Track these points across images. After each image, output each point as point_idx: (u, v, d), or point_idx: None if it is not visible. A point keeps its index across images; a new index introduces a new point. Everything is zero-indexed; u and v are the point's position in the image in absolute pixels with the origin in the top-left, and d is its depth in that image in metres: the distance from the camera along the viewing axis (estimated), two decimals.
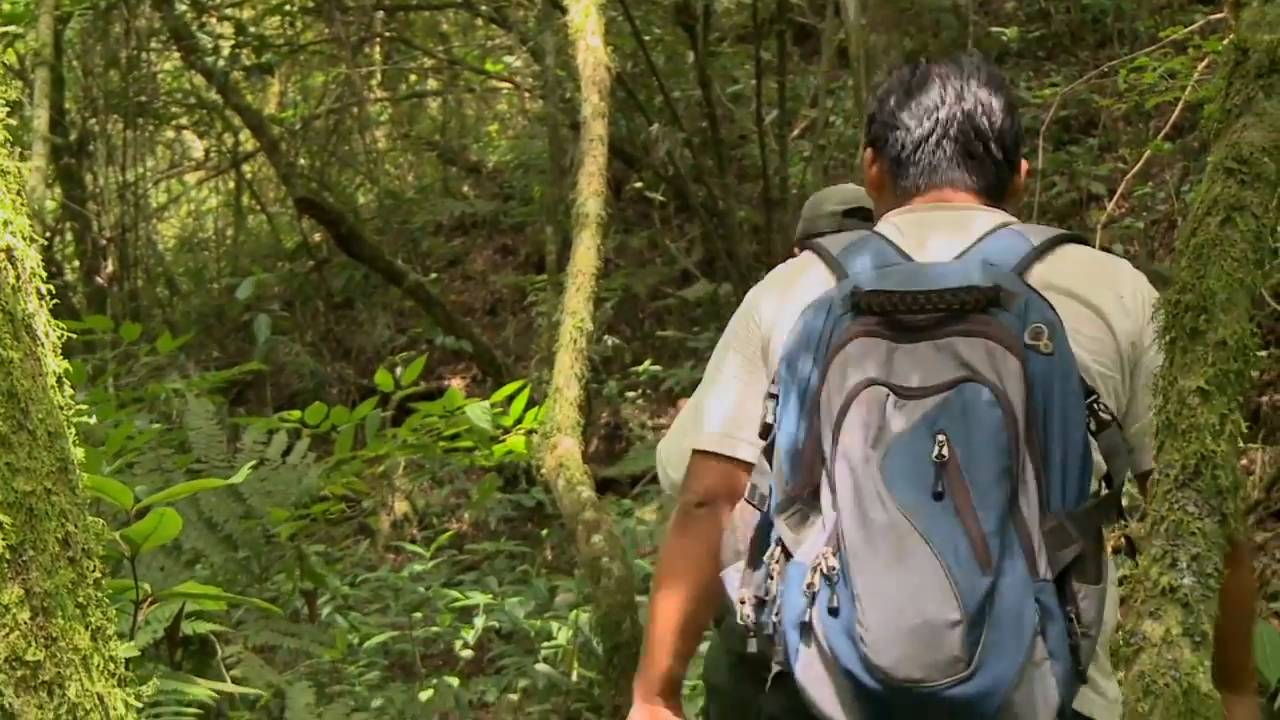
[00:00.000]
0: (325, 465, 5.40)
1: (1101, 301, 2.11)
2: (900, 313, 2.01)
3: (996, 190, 2.27)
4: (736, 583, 2.10)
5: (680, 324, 11.67)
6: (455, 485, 10.16)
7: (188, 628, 3.90)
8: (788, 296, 2.18)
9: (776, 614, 1.99)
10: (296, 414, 5.53)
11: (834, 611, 1.90)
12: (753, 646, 2.06)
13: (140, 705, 1.66)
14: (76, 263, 14.14)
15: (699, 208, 11.59)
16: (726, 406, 2.22)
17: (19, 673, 1.45)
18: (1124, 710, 1.64)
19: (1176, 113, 6.28)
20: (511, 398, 5.60)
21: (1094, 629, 2.02)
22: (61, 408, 1.66)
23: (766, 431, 2.12)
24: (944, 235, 2.16)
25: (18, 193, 1.68)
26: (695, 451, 2.24)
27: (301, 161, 14.10)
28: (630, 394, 10.90)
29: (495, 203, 14.88)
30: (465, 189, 15.91)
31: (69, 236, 14.34)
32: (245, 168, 15.39)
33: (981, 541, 1.88)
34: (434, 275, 13.55)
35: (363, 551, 9.06)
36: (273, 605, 3.61)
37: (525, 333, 12.24)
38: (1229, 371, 1.73)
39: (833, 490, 1.95)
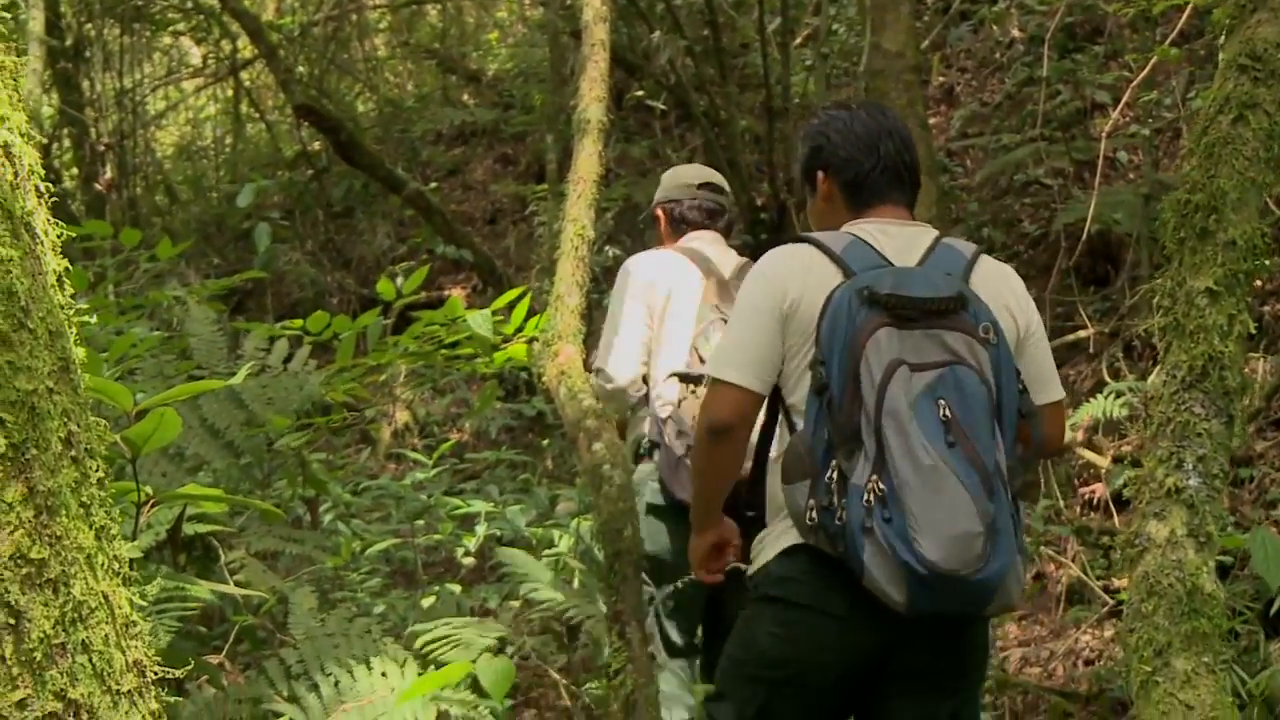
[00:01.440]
0: (327, 373, 5.39)
1: (1007, 301, 3.04)
2: (901, 309, 2.84)
3: (913, 203, 3.18)
4: (805, 493, 2.85)
5: None
6: (456, 395, 10.17)
7: (190, 531, 3.91)
8: (807, 283, 2.96)
9: (840, 519, 2.76)
10: (299, 322, 5.50)
11: (888, 520, 2.71)
12: (812, 539, 2.85)
13: (144, 604, 1.67)
14: (75, 170, 14.07)
15: (700, 117, 11.51)
16: (752, 354, 2.98)
17: (24, 570, 1.45)
18: (1128, 609, 1.65)
19: (1184, 18, 6.21)
20: (512, 305, 5.56)
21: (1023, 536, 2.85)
22: (62, 307, 1.65)
23: (822, 390, 2.85)
24: (902, 244, 3.03)
25: (15, 88, 1.66)
26: (727, 383, 2.97)
27: (300, 69, 13.98)
28: None
29: (495, 111, 14.77)
30: (465, 97, 15.80)
31: (66, 143, 14.26)
32: (244, 75, 15.27)
33: (986, 478, 2.74)
34: (434, 184, 13.48)
35: (364, 460, 9.09)
36: (275, 509, 3.60)
37: (526, 242, 12.21)
38: (1238, 272, 1.72)
39: (878, 436, 2.75)
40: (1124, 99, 7.15)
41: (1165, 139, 9.00)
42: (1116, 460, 6.33)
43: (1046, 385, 3.08)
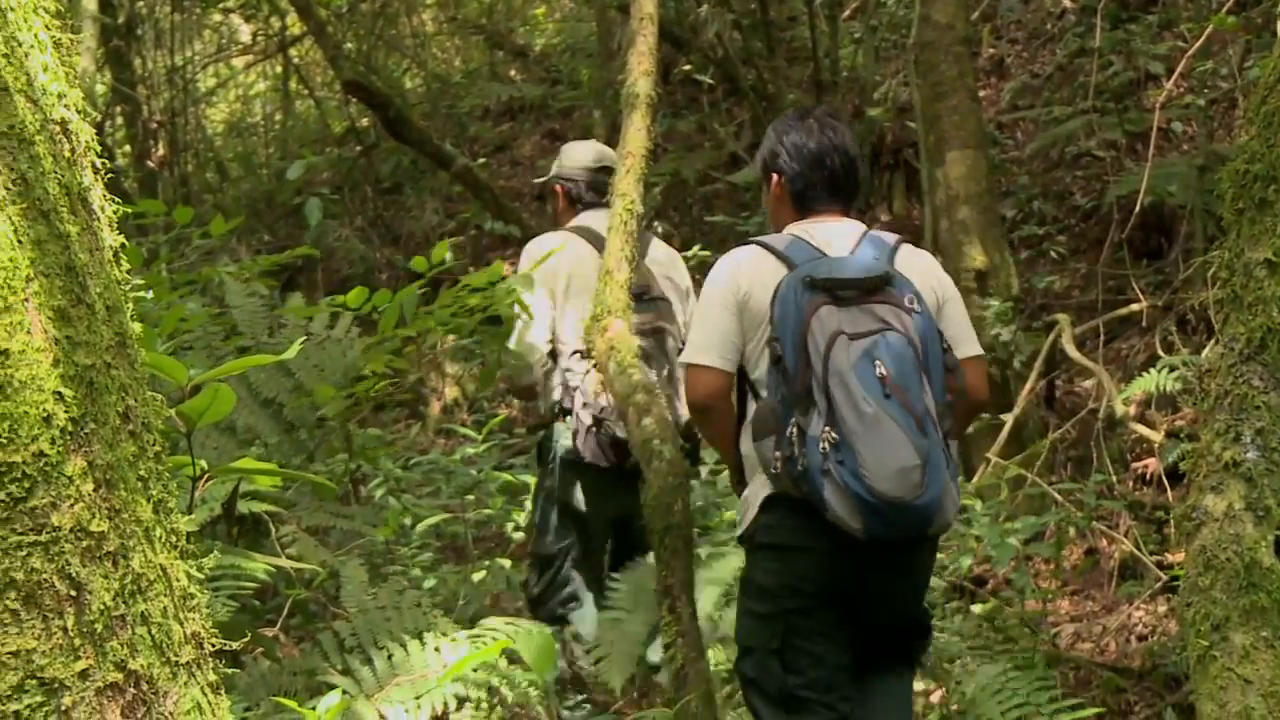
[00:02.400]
0: (368, 342, 5.40)
1: (925, 276, 3.67)
2: (838, 290, 3.44)
3: (851, 205, 3.79)
4: (771, 446, 3.44)
5: (729, 209, 11.59)
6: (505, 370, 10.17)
7: (244, 507, 3.94)
8: (755, 277, 3.59)
9: (802, 465, 3.34)
10: (341, 298, 5.52)
11: (841, 462, 3.30)
12: (778, 486, 3.47)
13: (201, 577, 1.68)
14: (127, 147, 14.17)
15: (748, 91, 11.47)
16: (716, 340, 3.60)
17: (84, 543, 1.46)
18: (1184, 584, 1.64)
19: None
20: None
21: (956, 465, 3.51)
22: (119, 282, 1.66)
23: (778, 361, 3.44)
24: (835, 238, 3.65)
25: (70, 66, 1.67)
26: (699, 365, 3.61)
27: (349, 45, 14.01)
28: None
29: (543, 87, 14.76)
30: (512, 73, 15.80)
31: (119, 121, 14.36)
32: (293, 51, 15.32)
33: (919, 421, 3.35)
34: (481, 160, 13.49)
35: (414, 435, 9.13)
36: (328, 483, 3.63)
37: None
38: None
39: (827, 394, 3.35)
40: (1178, 69, 7.06)
41: (1220, 109, 8.89)
42: (1170, 435, 6.28)
43: (965, 343, 3.70)
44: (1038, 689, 4.29)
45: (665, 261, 5.12)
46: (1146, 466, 6.52)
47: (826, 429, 3.32)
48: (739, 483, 3.75)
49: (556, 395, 4.90)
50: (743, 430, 3.66)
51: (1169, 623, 5.52)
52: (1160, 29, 9.82)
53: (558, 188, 5.14)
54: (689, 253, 10.38)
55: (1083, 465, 6.84)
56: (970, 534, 6.02)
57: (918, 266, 3.69)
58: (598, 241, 4.89)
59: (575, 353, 4.83)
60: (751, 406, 3.62)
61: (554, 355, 4.93)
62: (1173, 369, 6.07)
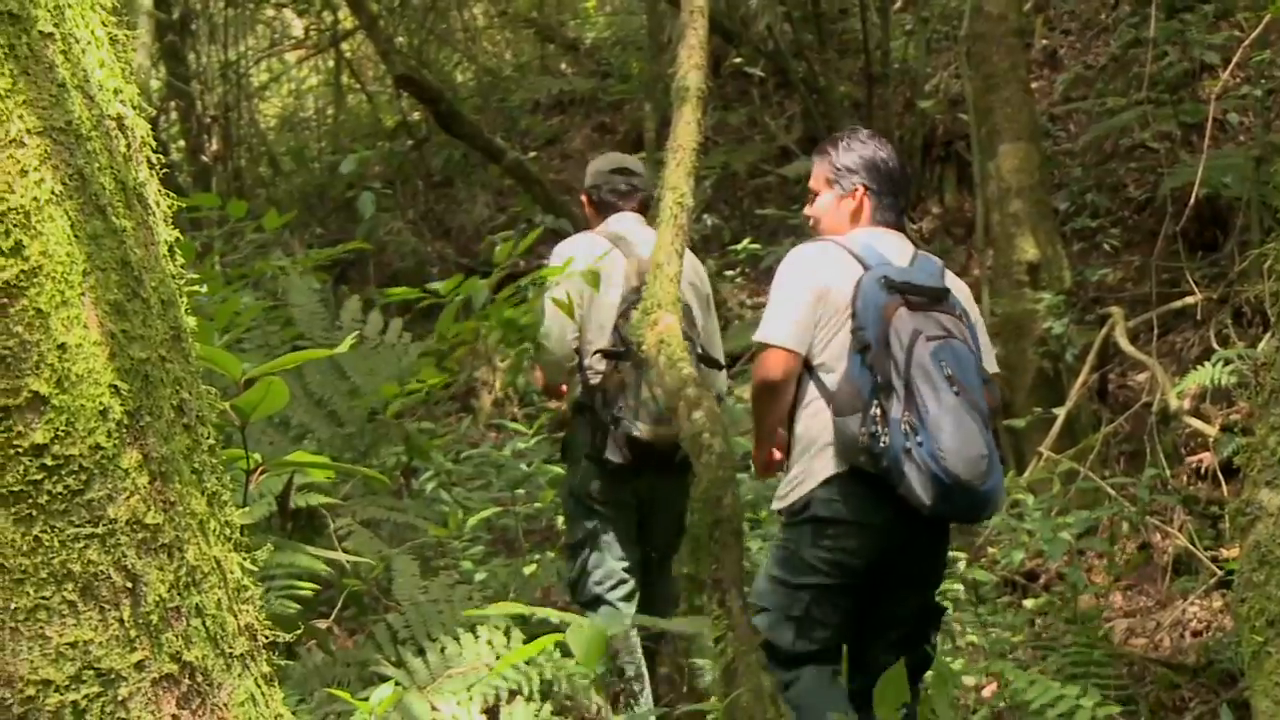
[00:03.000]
0: (423, 345, 5.42)
1: (964, 297, 4.10)
2: (910, 294, 3.86)
3: (902, 222, 4.21)
4: (857, 424, 3.78)
5: (780, 201, 11.56)
6: None
7: (298, 500, 3.97)
8: (834, 272, 3.94)
9: (884, 442, 3.71)
10: (398, 291, 5.54)
11: (920, 444, 3.69)
12: (858, 459, 3.81)
13: (255, 570, 1.69)
14: (182, 142, 14.29)
15: (799, 83, 11.43)
16: (797, 325, 3.93)
17: (139, 535, 1.47)
18: (1239, 579, 1.62)
19: None
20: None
21: None
22: (173, 277, 1.67)
23: (865, 349, 3.81)
24: (894, 250, 4.05)
25: (126, 62, 1.68)
26: (777, 346, 3.93)
27: (400, 39, 14.06)
28: (729, 272, 10.84)
29: (593, 80, 14.77)
30: (563, 66, 15.81)
31: (174, 115, 14.47)
32: (344, 46, 15.40)
33: (982, 416, 3.80)
34: (532, 153, 13.51)
35: (464, 429, 9.16)
36: (381, 477, 3.65)
37: None
38: None
39: (907, 384, 3.74)
40: (1234, 59, 6.99)
41: (1278, 100, 8.79)
42: (1225, 429, 6.22)
43: (989, 359, 4.10)
44: (1091, 685, 4.27)
45: (689, 267, 5.17)
46: (1201, 461, 6.46)
47: (907, 414, 3.71)
48: (764, 443, 4.17)
49: (578, 393, 5.08)
50: (801, 410, 4.00)
51: (1224, 618, 5.47)
52: (1216, 18, 9.70)
53: (584, 197, 5.42)
54: (738, 246, 10.39)
55: (1136, 459, 6.78)
56: (1022, 528, 5.99)
57: (959, 288, 4.15)
58: (625, 248, 5.07)
59: (598, 352, 4.98)
60: (809, 388, 3.97)
61: (578, 353, 5.06)
62: (1228, 362, 6.00)
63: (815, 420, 3.95)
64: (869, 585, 3.95)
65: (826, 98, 11.29)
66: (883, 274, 3.87)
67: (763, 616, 3.94)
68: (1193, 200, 6.62)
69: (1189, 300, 7.40)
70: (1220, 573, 5.49)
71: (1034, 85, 9.74)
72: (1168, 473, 6.36)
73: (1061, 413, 6.96)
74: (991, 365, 4.08)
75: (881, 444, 3.72)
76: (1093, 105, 10.37)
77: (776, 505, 4.11)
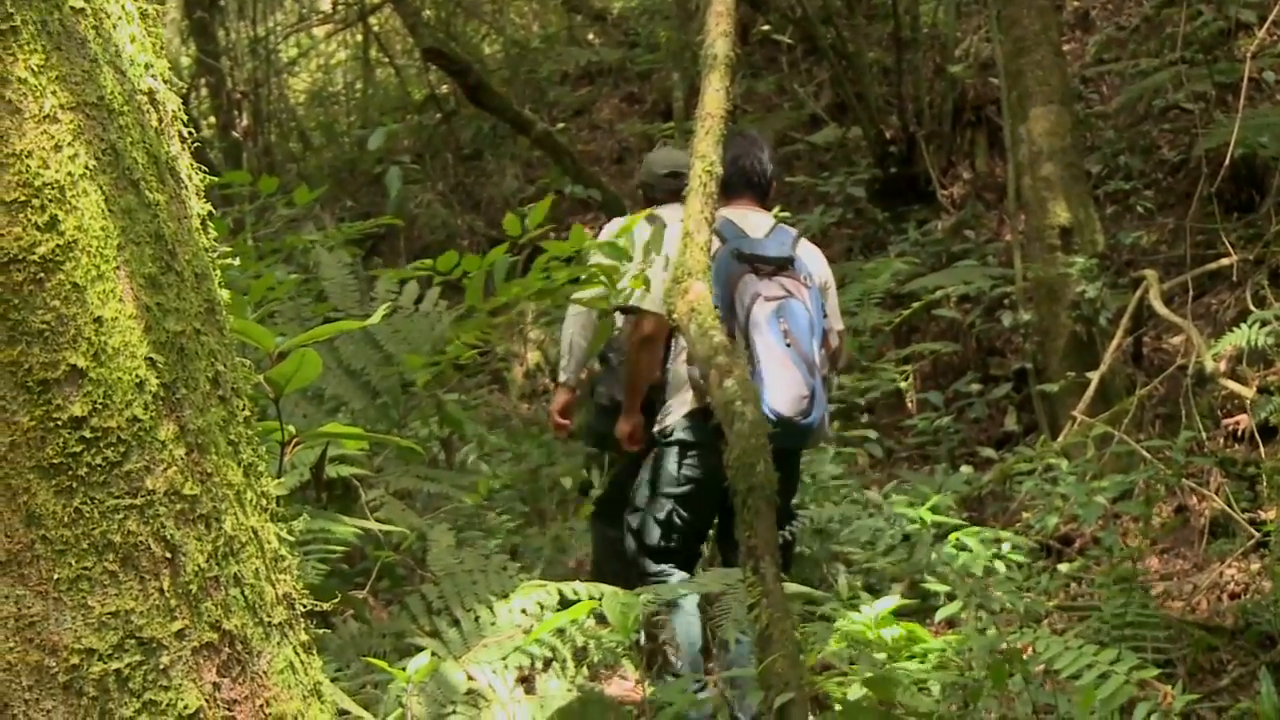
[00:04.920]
0: (456, 313, 5.43)
1: (815, 264, 5.15)
2: (757, 263, 4.88)
3: (764, 201, 5.24)
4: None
5: (809, 169, 11.52)
6: None
7: (332, 471, 3.99)
8: None
9: None
10: (428, 262, 5.54)
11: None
12: (704, 401, 4.52)
13: (291, 540, 1.70)
14: (212, 118, 14.33)
15: (827, 50, 11.38)
16: (660, 294, 4.54)
17: (178, 506, 1.49)
18: (1276, 541, 1.62)
19: None
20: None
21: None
22: (207, 250, 1.68)
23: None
24: (754, 225, 5.07)
25: (157, 36, 1.69)
26: (655, 314, 4.81)
27: (427, 13, 14.06)
28: None
29: (621, 50, 14.74)
30: (590, 37, 15.78)
31: (204, 92, 14.51)
32: (372, 20, 15.39)
33: (809, 365, 4.76)
34: (561, 125, 13.49)
35: (497, 401, 9.18)
36: (415, 447, 3.67)
37: None
38: None
39: (748, 339, 4.73)
40: (1271, 17, 6.92)
41: None
42: (1262, 390, 6.17)
43: (835, 318, 5.18)
44: (1128, 649, 4.26)
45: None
46: (1238, 423, 6.42)
47: (747, 364, 4.44)
48: (631, 409, 5.16)
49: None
50: (672, 358, 5.05)
51: (1262, 580, 5.44)
52: None
53: (640, 192, 5.91)
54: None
55: (1171, 422, 6.75)
56: (1056, 493, 5.97)
57: (811, 256, 5.18)
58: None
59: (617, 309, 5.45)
60: (678, 342, 4.91)
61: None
62: (1264, 323, 5.96)
63: (681, 368, 4.94)
64: (723, 493, 4.26)
65: (855, 64, 11.23)
66: (735, 247, 4.91)
67: (635, 516, 5.09)
68: (1228, 160, 6.58)
69: (1224, 262, 7.34)
70: (1258, 535, 5.46)
71: (1065, 47, 9.66)
72: (1204, 435, 6.32)
73: (1095, 376, 6.92)
74: (835, 321, 5.21)
75: None
76: (1125, 66, 10.29)
77: (655, 429, 5.06)
